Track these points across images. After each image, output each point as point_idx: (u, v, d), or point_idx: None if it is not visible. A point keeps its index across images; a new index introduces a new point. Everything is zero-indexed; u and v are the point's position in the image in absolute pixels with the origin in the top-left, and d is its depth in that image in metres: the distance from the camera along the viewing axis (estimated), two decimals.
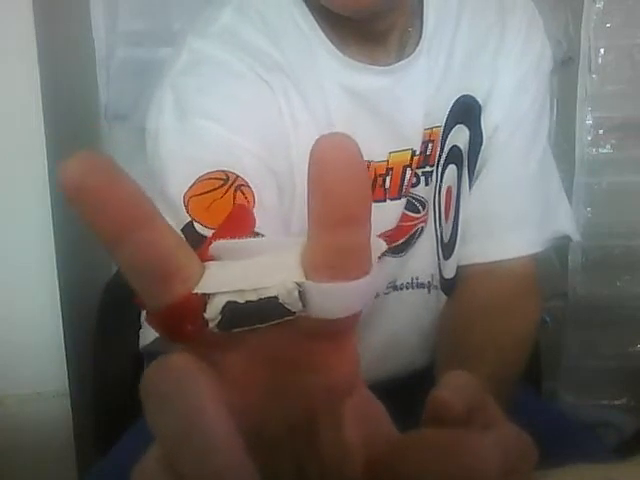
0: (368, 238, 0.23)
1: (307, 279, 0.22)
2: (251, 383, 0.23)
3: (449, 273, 0.81)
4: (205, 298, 0.22)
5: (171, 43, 0.80)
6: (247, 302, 0.22)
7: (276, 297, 0.22)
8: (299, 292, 0.22)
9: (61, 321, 1.06)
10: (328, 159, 0.21)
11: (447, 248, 0.81)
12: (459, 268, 0.81)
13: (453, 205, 0.80)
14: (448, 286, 0.82)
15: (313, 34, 0.71)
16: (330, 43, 0.71)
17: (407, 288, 0.81)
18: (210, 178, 0.62)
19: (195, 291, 0.22)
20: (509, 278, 0.79)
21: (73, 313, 1.09)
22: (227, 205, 0.61)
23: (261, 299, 0.22)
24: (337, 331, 0.24)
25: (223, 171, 0.63)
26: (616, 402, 1.47)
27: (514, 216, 0.80)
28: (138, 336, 0.84)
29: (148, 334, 0.76)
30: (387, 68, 0.73)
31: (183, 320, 0.22)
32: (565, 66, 1.34)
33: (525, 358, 0.75)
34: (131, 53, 1.28)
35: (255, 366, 0.23)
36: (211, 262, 0.23)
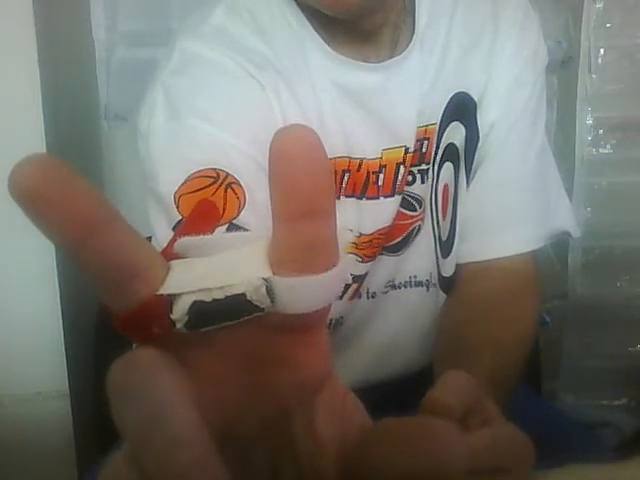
0: (333, 230, 0.22)
1: (274, 274, 0.22)
2: (221, 380, 0.23)
3: (448, 271, 0.81)
4: (171, 299, 0.22)
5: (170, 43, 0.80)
6: (214, 300, 0.22)
7: (243, 294, 0.22)
8: (266, 288, 0.22)
9: (61, 321, 1.06)
10: (288, 152, 0.21)
11: (445, 246, 0.81)
12: (458, 266, 0.81)
13: (450, 203, 0.80)
14: (447, 284, 0.82)
15: (304, 32, 0.71)
16: (321, 40, 0.71)
17: (405, 287, 0.81)
18: (200, 176, 0.63)
19: (160, 292, 0.22)
20: (508, 276, 0.79)
21: (73, 313, 1.09)
22: (217, 204, 0.62)
23: (228, 297, 0.22)
24: (306, 325, 0.23)
25: (213, 169, 0.63)
26: (616, 402, 1.47)
27: (513, 213, 0.80)
28: None
29: None
30: (379, 65, 0.73)
31: (149, 322, 0.22)
32: (565, 66, 1.34)
33: (525, 357, 0.75)
34: (131, 53, 1.28)
35: (225, 363, 0.23)
36: (175, 261, 0.23)
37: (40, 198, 0.20)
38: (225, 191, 0.62)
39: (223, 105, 0.67)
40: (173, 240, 0.24)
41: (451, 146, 0.78)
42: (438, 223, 0.80)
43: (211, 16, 0.71)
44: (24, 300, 1.06)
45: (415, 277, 0.81)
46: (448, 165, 0.79)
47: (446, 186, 0.79)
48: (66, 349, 1.07)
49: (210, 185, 0.62)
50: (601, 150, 1.37)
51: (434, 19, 0.76)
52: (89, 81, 1.27)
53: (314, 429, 0.25)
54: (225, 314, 0.22)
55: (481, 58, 0.78)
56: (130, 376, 0.21)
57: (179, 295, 0.22)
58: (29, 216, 0.20)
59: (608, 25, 1.32)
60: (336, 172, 0.72)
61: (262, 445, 0.25)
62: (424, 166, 0.77)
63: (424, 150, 0.77)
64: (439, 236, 0.81)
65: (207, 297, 0.22)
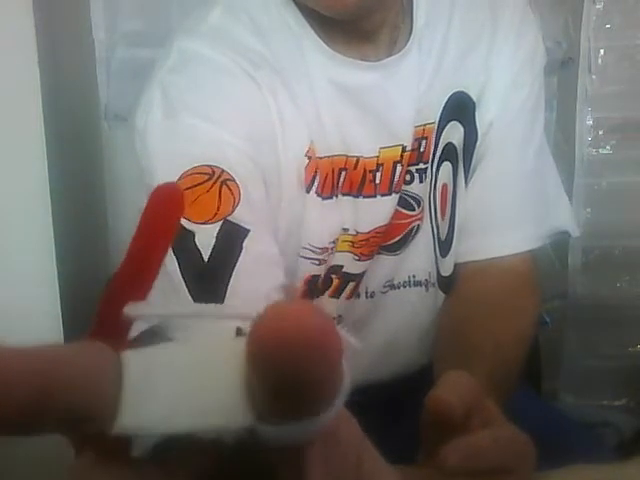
0: (336, 392, 0.18)
1: (255, 413, 0.18)
2: None
3: (446, 271, 0.82)
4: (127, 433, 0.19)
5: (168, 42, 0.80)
6: (180, 438, 0.18)
7: (220, 438, 0.19)
8: (249, 433, 0.18)
9: (61, 322, 1.06)
10: (271, 338, 0.16)
11: (444, 245, 0.81)
12: (457, 265, 0.82)
13: (449, 202, 0.80)
14: (446, 284, 0.82)
15: (301, 31, 0.71)
16: (318, 39, 0.71)
17: (404, 286, 0.81)
18: (195, 173, 0.63)
19: (114, 432, 0.18)
20: (507, 275, 0.79)
21: (73, 313, 1.09)
22: (213, 199, 0.62)
23: (198, 438, 0.19)
24: (291, 454, 0.20)
25: (209, 165, 0.63)
26: (616, 402, 1.46)
27: (511, 212, 0.80)
28: None
29: (134, 329, 0.76)
30: (376, 63, 0.73)
31: (110, 454, 0.19)
32: (565, 66, 1.34)
33: (524, 355, 0.76)
34: (131, 53, 1.28)
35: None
36: (129, 357, 0.19)
37: None
38: (220, 188, 0.63)
39: (220, 103, 0.67)
40: (113, 299, 0.21)
41: (450, 145, 0.78)
42: (437, 222, 0.80)
43: (209, 16, 0.72)
44: (24, 300, 1.06)
45: (414, 277, 0.81)
46: (447, 164, 0.79)
47: (445, 185, 0.80)
48: None
49: (205, 182, 0.63)
50: (601, 150, 1.37)
51: (432, 19, 0.76)
52: (89, 81, 1.27)
53: None
54: (191, 448, 0.19)
55: (479, 58, 0.78)
56: None
57: (137, 433, 0.19)
58: None
59: (608, 26, 1.32)
60: (333, 170, 0.72)
61: None
62: (422, 165, 0.78)
63: (422, 149, 0.77)
64: (438, 235, 0.81)
65: (172, 434, 0.18)
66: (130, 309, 0.21)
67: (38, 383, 0.17)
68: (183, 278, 0.62)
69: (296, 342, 0.15)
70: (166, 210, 0.23)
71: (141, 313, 0.21)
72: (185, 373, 0.19)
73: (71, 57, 1.19)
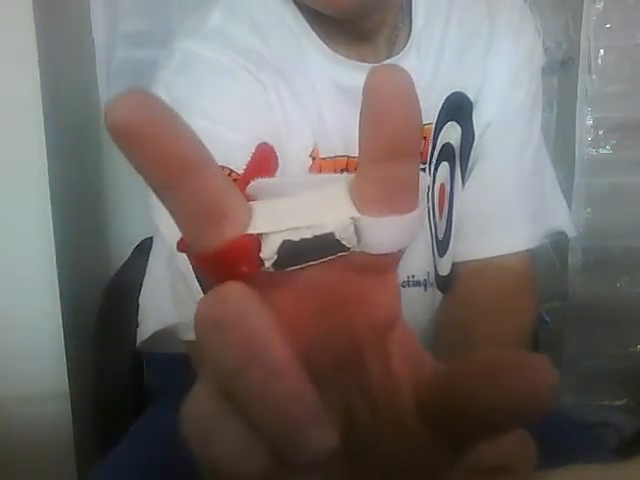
0: (418, 172, 0.22)
1: (360, 213, 0.22)
2: (298, 317, 0.23)
3: (444, 270, 0.82)
4: (259, 238, 0.22)
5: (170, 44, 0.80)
6: (302, 240, 0.22)
7: (332, 234, 0.22)
8: (354, 227, 0.22)
9: (61, 322, 1.06)
10: (384, 90, 0.21)
11: (442, 245, 0.81)
12: (454, 265, 0.82)
13: (447, 202, 0.80)
14: (444, 283, 0.82)
15: (302, 31, 0.71)
16: (319, 40, 0.71)
17: (404, 286, 0.81)
18: None
19: (250, 231, 0.22)
20: (505, 274, 0.79)
21: (73, 313, 1.09)
22: None
23: (316, 236, 0.22)
24: (383, 266, 0.24)
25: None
26: (616, 402, 1.46)
27: (508, 212, 0.80)
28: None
29: (145, 330, 0.76)
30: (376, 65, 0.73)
31: (238, 261, 0.22)
32: (565, 66, 1.34)
33: None
34: (131, 53, 1.28)
35: (302, 300, 0.23)
36: (255, 202, 0.23)
37: (142, 136, 0.20)
38: None
39: (224, 103, 0.67)
40: (242, 182, 0.24)
41: (447, 146, 0.78)
42: (435, 222, 0.80)
43: (209, 18, 0.72)
44: (24, 301, 1.06)
45: (413, 277, 0.81)
46: (444, 164, 0.79)
47: (442, 185, 0.80)
48: (66, 349, 1.07)
49: None
50: (601, 150, 1.37)
51: (431, 19, 0.76)
52: (89, 81, 1.27)
53: (388, 365, 0.25)
54: (313, 253, 0.22)
55: (477, 58, 0.78)
56: (224, 309, 0.21)
57: (267, 234, 0.22)
58: (126, 153, 0.20)
59: (608, 26, 1.32)
60: (335, 171, 0.72)
61: (336, 382, 0.25)
62: (421, 166, 0.78)
63: (420, 150, 0.77)
64: (436, 235, 0.81)
65: (295, 236, 0.22)
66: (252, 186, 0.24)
67: (191, 158, 0.21)
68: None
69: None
70: (266, 168, 0.28)
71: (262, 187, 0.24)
72: (301, 198, 0.23)
73: (71, 57, 1.19)
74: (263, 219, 0.22)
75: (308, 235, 0.22)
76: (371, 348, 0.25)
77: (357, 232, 0.22)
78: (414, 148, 0.22)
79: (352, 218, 0.22)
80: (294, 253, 0.22)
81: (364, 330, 0.24)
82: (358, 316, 0.24)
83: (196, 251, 0.22)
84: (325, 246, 0.22)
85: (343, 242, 0.22)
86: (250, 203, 0.23)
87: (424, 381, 0.25)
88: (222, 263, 0.22)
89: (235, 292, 0.22)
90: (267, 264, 0.22)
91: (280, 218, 0.22)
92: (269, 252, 0.22)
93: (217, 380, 0.22)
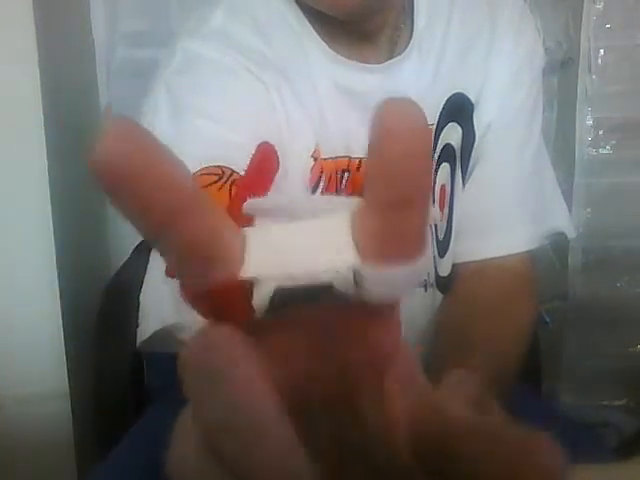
0: (426, 219, 0.21)
1: (360, 258, 0.21)
2: (292, 355, 0.23)
3: (444, 271, 0.82)
4: (251, 282, 0.21)
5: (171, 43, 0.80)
6: (296, 286, 0.21)
7: (330, 284, 0.21)
8: (354, 276, 0.21)
9: (61, 322, 1.06)
10: (393, 134, 0.19)
11: (442, 246, 0.81)
12: (454, 266, 0.82)
13: (447, 203, 0.80)
14: (444, 284, 0.82)
15: (304, 32, 0.71)
16: (321, 40, 0.71)
17: None
18: (206, 173, 0.63)
19: (241, 276, 0.21)
20: (505, 275, 0.79)
21: (73, 313, 1.09)
22: (224, 199, 0.62)
23: (313, 284, 0.21)
24: (383, 308, 0.23)
25: (219, 166, 0.63)
26: (616, 402, 1.47)
27: (508, 213, 0.80)
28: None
29: (146, 330, 0.76)
30: (378, 66, 0.73)
31: (227, 306, 0.21)
32: (565, 66, 1.34)
33: (522, 356, 0.76)
34: (131, 53, 1.28)
35: (296, 338, 0.23)
36: (250, 230, 0.22)
37: (124, 190, 0.19)
38: (230, 188, 0.63)
39: (226, 103, 0.67)
40: (238, 196, 0.24)
41: (448, 146, 0.78)
42: (435, 223, 0.80)
43: (211, 18, 0.72)
44: (24, 301, 1.06)
45: None
46: (445, 165, 0.79)
47: (443, 186, 0.80)
48: (66, 349, 1.07)
49: (216, 182, 0.62)
50: (601, 150, 1.37)
51: (432, 20, 0.76)
52: (89, 81, 1.27)
53: (382, 402, 0.24)
54: (306, 298, 0.21)
55: (478, 59, 0.78)
56: (209, 358, 0.20)
57: (260, 280, 0.21)
58: (111, 200, 0.19)
59: (608, 26, 1.32)
60: (336, 172, 0.72)
61: (328, 419, 0.24)
62: None
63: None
64: (436, 236, 0.81)
65: (290, 282, 0.21)
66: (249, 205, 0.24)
67: (181, 200, 0.20)
68: None
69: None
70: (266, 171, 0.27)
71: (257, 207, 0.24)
72: (300, 231, 0.22)
73: (71, 57, 1.19)
74: (256, 259, 0.21)
75: (304, 282, 0.21)
76: (367, 387, 0.24)
77: (357, 280, 0.21)
78: (422, 197, 0.21)
79: (352, 266, 0.21)
80: (287, 299, 0.21)
81: (357, 368, 0.24)
82: (351, 354, 0.23)
83: (185, 286, 0.22)
84: (321, 293, 0.21)
85: (340, 289, 0.21)
86: (245, 231, 0.22)
87: (421, 419, 0.24)
88: (211, 304, 0.21)
89: (222, 339, 0.21)
90: (258, 312, 0.21)
91: (275, 260, 0.21)
92: (261, 300, 0.21)
93: (203, 428, 0.21)
